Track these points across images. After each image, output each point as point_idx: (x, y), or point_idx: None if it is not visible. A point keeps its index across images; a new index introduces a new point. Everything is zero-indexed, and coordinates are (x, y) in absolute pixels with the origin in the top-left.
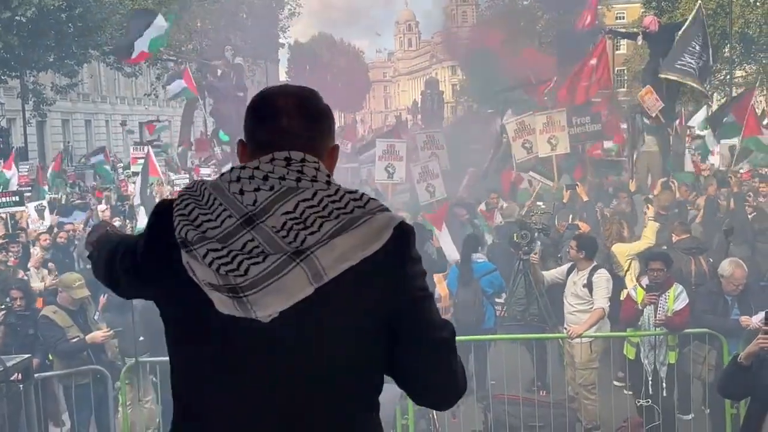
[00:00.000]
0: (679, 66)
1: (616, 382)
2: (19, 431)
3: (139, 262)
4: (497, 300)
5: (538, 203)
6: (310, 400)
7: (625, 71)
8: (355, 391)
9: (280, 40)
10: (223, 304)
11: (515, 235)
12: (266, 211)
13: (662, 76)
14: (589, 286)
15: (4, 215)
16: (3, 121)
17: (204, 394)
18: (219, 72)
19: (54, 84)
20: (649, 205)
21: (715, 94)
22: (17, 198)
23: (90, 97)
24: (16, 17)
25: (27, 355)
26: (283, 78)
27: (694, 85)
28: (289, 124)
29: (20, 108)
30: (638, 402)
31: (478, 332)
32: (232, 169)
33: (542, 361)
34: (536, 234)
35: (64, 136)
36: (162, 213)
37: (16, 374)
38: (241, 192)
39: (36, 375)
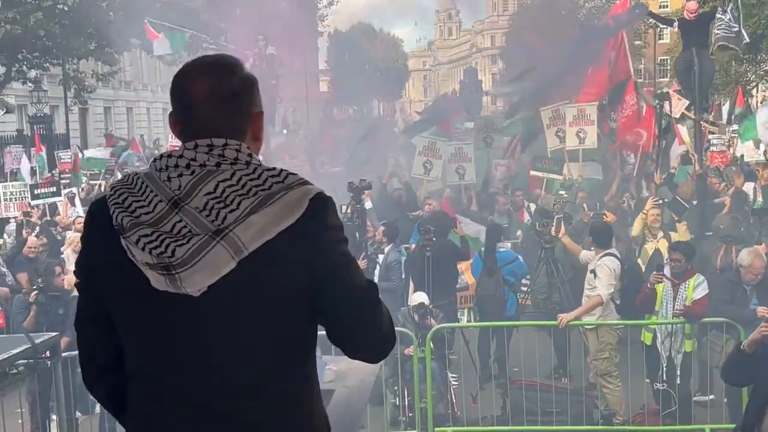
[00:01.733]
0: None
1: None
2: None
3: (84, 263)
4: (522, 288)
5: (561, 192)
6: (242, 367)
7: (668, 61)
8: (287, 360)
9: (319, 29)
10: (157, 281)
11: (537, 223)
12: (189, 194)
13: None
14: (594, 272)
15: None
16: (46, 108)
17: (149, 365)
18: (251, 60)
19: (95, 72)
20: (651, 199)
21: (759, 85)
22: (54, 189)
23: (131, 85)
24: (58, 5)
25: (55, 333)
26: (322, 67)
27: (730, 45)
28: (202, 113)
29: (62, 95)
30: (655, 386)
31: (498, 319)
32: (161, 157)
33: (563, 349)
34: (559, 222)
35: (105, 124)
36: (95, 210)
37: (44, 351)
38: (168, 179)
39: (65, 354)
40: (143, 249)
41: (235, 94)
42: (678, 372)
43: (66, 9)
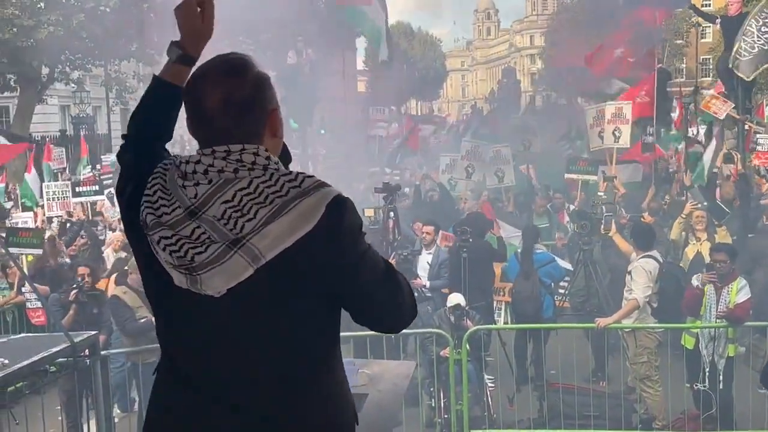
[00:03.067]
0: (735, 55)
1: None
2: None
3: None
4: (560, 291)
5: (599, 193)
6: (260, 364)
7: (710, 60)
8: (309, 353)
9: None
10: (179, 281)
11: (575, 225)
12: (206, 203)
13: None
14: (630, 274)
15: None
16: (89, 109)
17: (173, 353)
18: (289, 61)
19: (136, 72)
20: (689, 203)
21: None
22: (97, 187)
23: None
24: (100, 7)
25: (94, 332)
26: (360, 67)
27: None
28: (220, 123)
29: (104, 96)
30: (695, 386)
31: (534, 321)
32: (180, 163)
33: (601, 352)
34: (608, 220)
35: None
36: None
37: (84, 350)
38: (184, 186)
39: (103, 352)
40: (164, 250)
41: (248, 100)
42: (721, 377)
43: (107, 11)
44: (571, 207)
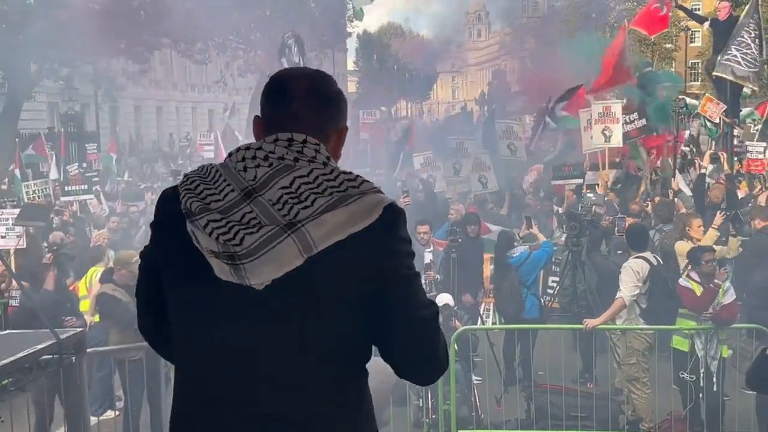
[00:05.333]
0: (725, 61)
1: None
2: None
3: (150, 247)
4: (548, 291)
5: (589, 195)
6: (297, 366)
7: (699, 64)
8: (340, 360)
9: (348, 30)
10: (222, 271)
11: (564, 226)
12: (265, 186)
13: (714, 73)
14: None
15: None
16: (77, 106)
17: (201, 358)
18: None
19: (125, 70)
20: (718, 212)
21: None
22: (86, 186)
23: (161, 84)
24: (89, 5)
25: (80, 329)
26: (351, 67)
27: (743, 83)
28: (295, 106)
29: (93, 94)
30: (681, 374)
31: (519, 321)
32: (238, 149)
33: (588, 353)
34: (586, 225)
35: (135, 122)
36: (168, 195)
37: (70, 347)
38: (245, 169)
39: (89, 350)
40: (210, 234)
41: (330, 98)
42: (714, 380)
43: (97, 8)
44: (559, 210)
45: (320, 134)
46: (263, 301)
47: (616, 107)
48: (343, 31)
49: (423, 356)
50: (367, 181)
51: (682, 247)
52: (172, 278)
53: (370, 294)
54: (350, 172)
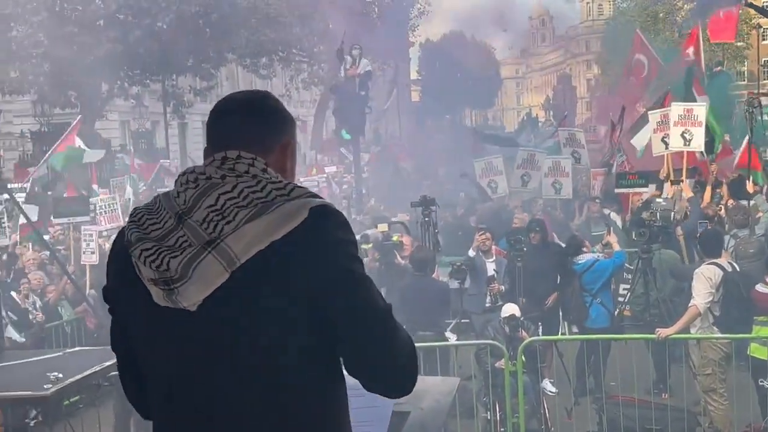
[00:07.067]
0: None
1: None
2: None
3: (107, 286)
4: (619, 299)
5: (658, 200)
6: (242, 384)
7: None
8: (288, 378)
9: (411, 39)
10: (158, 297)
11: (633, 233)
12: (193, 208)
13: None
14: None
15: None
16: (147, 124)
17: (159, 387)
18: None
19: (192, 87)
20: None
21: None
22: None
23: None
24: (157, 24)
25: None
26: (414, 77)
27: None
28: (227, 123)
29: (162, 111)
30: (760, 382)
31: (585, 330)
32: (181, 174)
33: (662, 363)
34: (656, 231)
35: (203, 138)
36: (119, 234)
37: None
38: (178, 194)
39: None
40: (144, 263)
41: (264, 111)
42: None
43: (164, 27)
44: (618, 218)
45: (258, 148)
46: (197, 322)
47: (699, 110)
48: (406, 41)
49: (381, 361)
50: (300, 187)
51: None
52: (126, 313)
53: (309, 304)
54: (281, 181)
